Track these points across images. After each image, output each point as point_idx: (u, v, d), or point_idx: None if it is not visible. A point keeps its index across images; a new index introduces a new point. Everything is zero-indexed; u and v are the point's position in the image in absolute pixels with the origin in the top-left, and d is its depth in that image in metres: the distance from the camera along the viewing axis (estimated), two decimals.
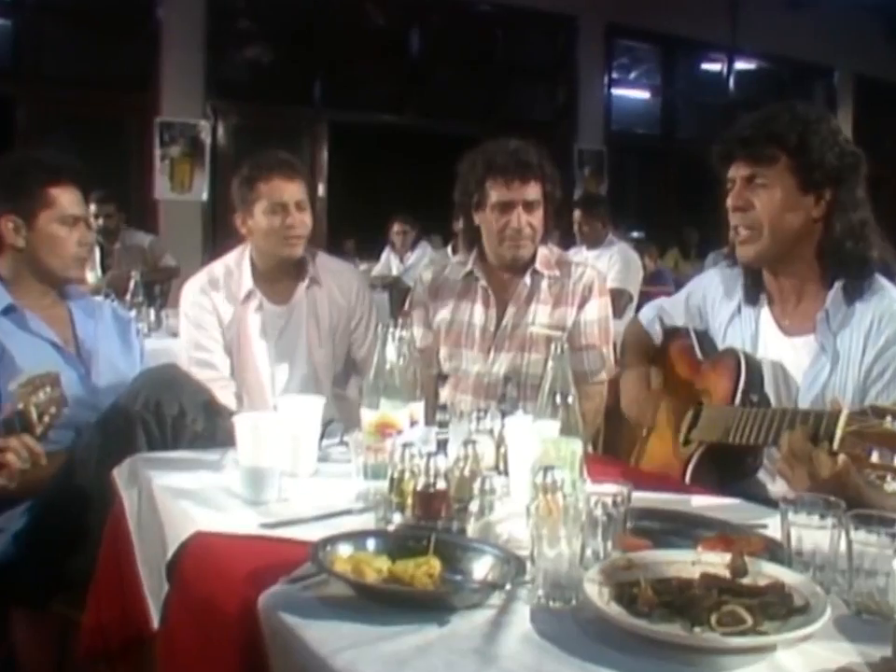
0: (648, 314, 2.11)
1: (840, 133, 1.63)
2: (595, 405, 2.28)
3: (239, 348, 2.39)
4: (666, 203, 9.03)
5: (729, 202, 1.67)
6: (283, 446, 1.50)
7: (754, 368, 1.66)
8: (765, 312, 1.75)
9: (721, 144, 1.69)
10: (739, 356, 1.68)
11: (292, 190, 2.31)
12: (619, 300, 4.30)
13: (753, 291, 1.76)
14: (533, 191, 2.22)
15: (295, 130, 7.13)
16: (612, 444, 2.27)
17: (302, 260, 2.39)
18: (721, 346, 1.81)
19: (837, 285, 1.62)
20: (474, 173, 2.24)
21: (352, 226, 7.66)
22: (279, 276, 2.39)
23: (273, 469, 1.47)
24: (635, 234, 8.74)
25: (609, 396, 2.31)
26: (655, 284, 5.19)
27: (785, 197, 1.61)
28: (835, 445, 1.30)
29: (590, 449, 2.34)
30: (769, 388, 1.65)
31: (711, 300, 1.90)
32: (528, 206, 2.22)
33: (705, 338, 1.88)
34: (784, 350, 1.69)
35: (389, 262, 6.87)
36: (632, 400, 1.92)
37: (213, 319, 2.37)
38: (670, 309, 2.05)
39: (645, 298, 4.11)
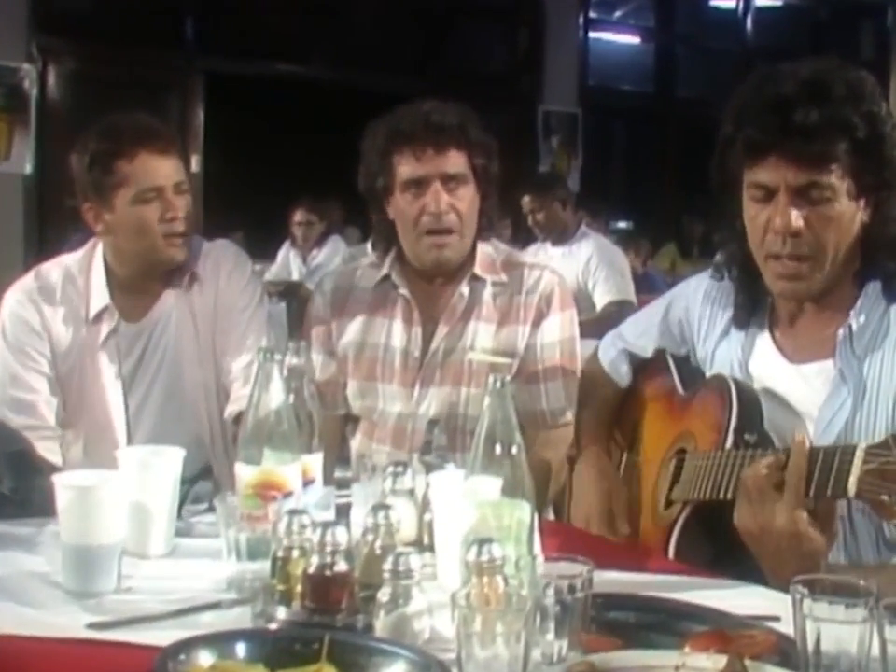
0: (608, 350, 2.13)
1: (882, 101, 1.63)
2: (559, 455, 2.30)
3: (81, 384, 2.35)
4: (661, 184, 9.20)
5: (778, 222, 1.61)
6: (124, 516, 1.48)
7: (748, 398, 1.70)
8: (764, 333, 1.79)
9: (753, 127, 1.61)
10: (728, 383, 1.72)
11: (167, 169, 2.28)
12: (619, 316, 4.37)
13: (745, 309, 1.81)
14: (454, 162, 2.24)
15: (158, 82, 7.10)
16: None
17: (181, 263, 2.36)
18: (708, 375, 1.86)
19: (867, 291, 1.67)
20: (376, 147, 2.26)
21: (238, 213, 7.63)
22: (145, 285, 2.37)
23: (108, 549, 1.45)
24: (622, 225, 8.89)
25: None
26: (641, 292, 5.26)
27: (846, 208, 1.61)
28: (851, 490, 1.35)
29: (551, 515, 2.37)
30: (771, 430, 1.69)
31: (698, 315, 1.94)
32: (449, 182, 2.23)
33: (687, 366, 1.92)
34: (790, 380, 1.74)
35: (289, 263, 6.87)
36: (591, 509, 1.93)
37: (42, 344, 2.32)
38: (637, 337, 2.08)
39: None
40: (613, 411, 2.07)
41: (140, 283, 2.36)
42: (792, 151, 1.57)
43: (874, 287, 1.67)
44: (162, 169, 2.27)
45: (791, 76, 1.61)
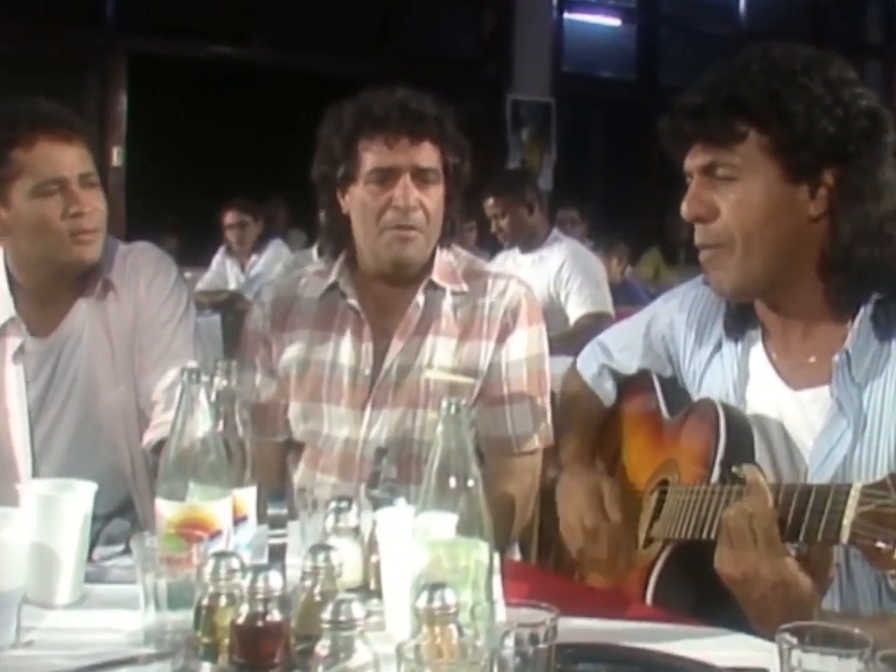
0: (589, 363, 2.16)
1: (847, 83, 1.66)
2: (524, 487, 2.30)
3: None
4: (644, 182, 9.25)
5: (683, 209, 1.71)
6: (24, 560, 1.47)
7: (738, 426, 1.71)
8: (758, 350, 1.81)
9: (669, 120, 1.72)
10: (717, 409, 1.73)
11: (71, 158, 2.28)
12: (594, 330, 4.40)
13: (738, 323, 1.82)
14: (427, 156, 2.26)
15: (74, 63, 7.07)
16: (554, 545, 2.29)
17: (93, 266, 2.35)
18: (696, 399, 1.87)
19: (864, 311, 1.68)
20: (340, 131, 2.26)
21: (167, 213, 7.59)
22: (53, 294, 2.36)
23: (6, 597, 1.43)
24: (600, 227, 8.92)
25: (545, 472, 2.34)
26: (619, 303, 5.29)
27: (764, 192, 1.65)
28: (844, 534, 1.36)
29: (517, 554, 2.37)
30: (765, 463, 1.70)
31: (683, 331, 1.96)
32: (421, 176, 2.25)
33: (673, 388, 1.94)
34: (785, 408, 1.75)
35: (224, 270, 6.85)
36: (575, 530, 1.93)
37: None
38: (621, 351, 2.10)
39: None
40: (597, 429, 2.08)
41: (47, 292, 2.35)
42: (693, 132, 1.68)
43: (863, 319, 1.68)
44: (65, 158, 2.26)
45: (725, 62, 1.70)
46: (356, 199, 2.28)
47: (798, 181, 1.65)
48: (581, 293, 5.05)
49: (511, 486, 2.26)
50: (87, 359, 2.36)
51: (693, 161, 1.70)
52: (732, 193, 1.66)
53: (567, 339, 4.36)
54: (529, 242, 5.24)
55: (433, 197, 2.27)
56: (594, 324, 4.72)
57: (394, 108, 2.22)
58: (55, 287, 2.35)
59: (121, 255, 2.40)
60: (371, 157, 2.24)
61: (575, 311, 5.03)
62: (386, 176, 2.23)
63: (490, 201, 5.26)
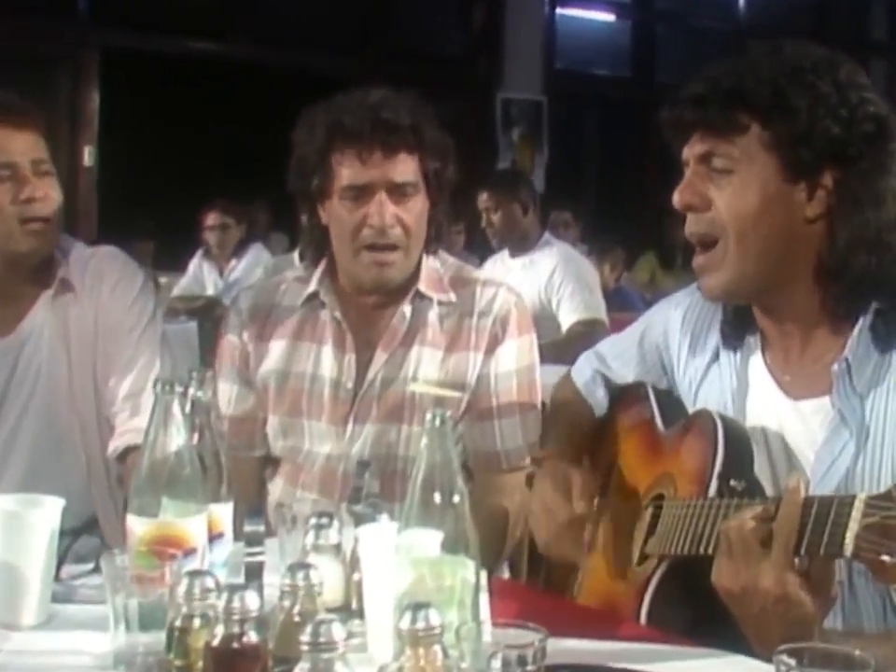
0: (583, 370, 2.17)
1: (857, 86, 1.67)
2: (515, 505, 2.30)
3: None
4: (640, 183, 9.27)
5: (675, 197, 1.72)
6: None
7: (737, 438, 1.71)
8: (757, 360, 1.82)
9: (670, 109, 1.74)
10: (714, 421, 1.73)
11: (22, 144, 2.29)
12: (587, 338, 4.42)
13: (736, 330, 1.83)
14: (404, 169, 2.24)
15: (45, 58, 7.05)
16: (545, 563, 2.30)
17: (49, 259, 2.36)
18: (692, 411, 1.88)
19: (864, 321, 1.68)
20: (313, 142, 2.25)
21: (142, 216, 7.58)
22: (10, 290, 2.36)
23: None
24: (593, 230, 8.94)
25: None
26: (614, 309, 5.30)
27: (759, 186, 1.66)
28: (847, 548, 1.36)
29: (506, 572, 2.37)
30: (763, 476, 1.71)
31: (677, 341, 1.96)
32: (397, 192, 2.24)
33: (669, 400, 1.94)
34: (786, 419, 1.75)
35: (202, 275, 6.83)
36: (548, 531, 1.93)
37: None
38: (615, 359, 2.11)
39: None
40: (584, 435, 2.09)
41: (3, 288, 2.35)
42: (693, 121, 1.70)
43: (863, 328, 1.69)
44: (16, 144, 2.28)
45: (732, 59, 1.72)
46: (332, 213, 2.28)
47: (796, 179, 1.66)
48: (573, 299, 5.06)
49: (501, 504, 2.26)
50: (47, 364, 2.36)
51: (692, 149, 1.71)
52: (728, 185, 1.68)
53: (559, 347, 4.37)
54: (520, 244, 5.26)
55: (412, 210, 2.26)
56: (587, 331, 4.74)
57: (365, 120, 2.20)
58: (10, 283, 2.35)
59: (84, 258, 2.41)
60: (344, 172, 2.23)
61: (567, 318, 5.04)
62: (361, 193, 2.23)
63: (484, 195, 5.30)
